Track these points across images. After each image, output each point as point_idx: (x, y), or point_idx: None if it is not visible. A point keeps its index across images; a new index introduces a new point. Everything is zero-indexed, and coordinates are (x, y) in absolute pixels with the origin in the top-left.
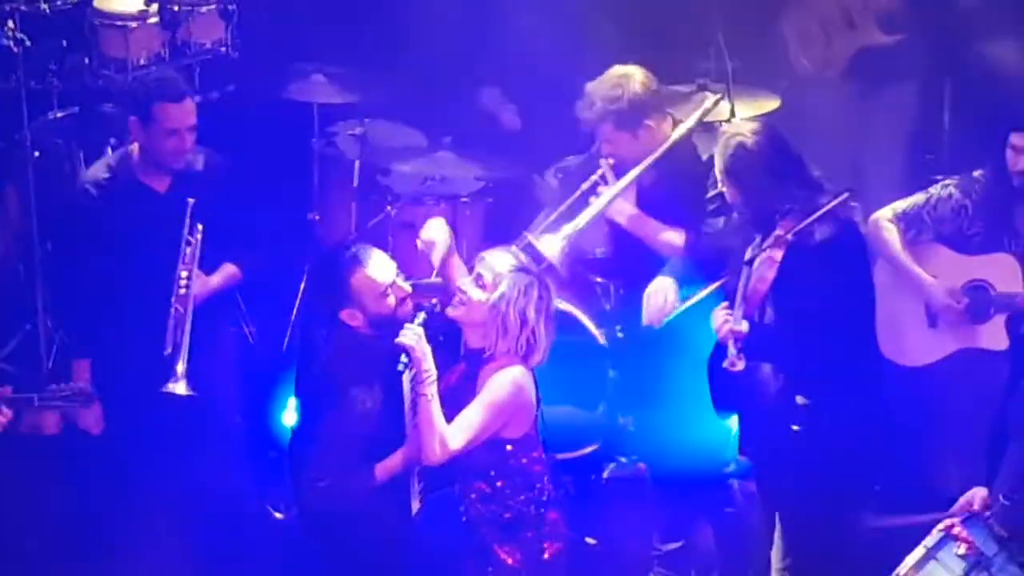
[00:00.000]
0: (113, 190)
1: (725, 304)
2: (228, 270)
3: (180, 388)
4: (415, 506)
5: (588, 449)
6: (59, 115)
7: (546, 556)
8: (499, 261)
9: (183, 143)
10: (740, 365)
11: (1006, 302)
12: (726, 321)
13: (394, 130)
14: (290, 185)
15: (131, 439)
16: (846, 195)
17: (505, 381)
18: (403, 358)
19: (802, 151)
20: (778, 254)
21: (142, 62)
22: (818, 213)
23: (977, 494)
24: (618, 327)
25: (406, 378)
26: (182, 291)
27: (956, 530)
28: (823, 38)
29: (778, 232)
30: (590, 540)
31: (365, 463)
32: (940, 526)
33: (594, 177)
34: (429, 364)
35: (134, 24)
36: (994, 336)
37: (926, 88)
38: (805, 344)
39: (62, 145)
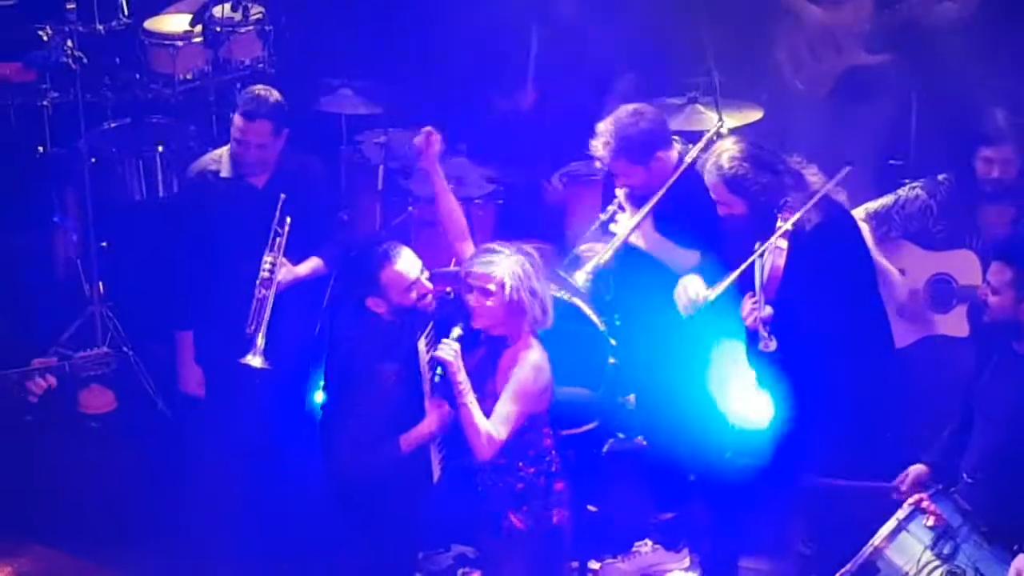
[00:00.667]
0: (218, 179)
1: (751, 294)
2: (314, 263)
3: (256, 361)
4: (436, 474)
5: (589, 426)
6: (113, 125)
7: (554, 521)
8: (488, 266)
9: (246, 153)
10: (772, 345)
11: (967, 294)
12: (753, 309)
13: (414, 138)
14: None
15: (221, 404)
16: (842, 173)
17: (528, 368)
18: (439, 370)
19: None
20: (784, 243)
21: (187, 77)
22: (815, 198)
23: (913, 470)
24: (616, 316)
25: (423, 357)
26: (265, 275)
27: (925, 504)
28: (813, 60)
29: (780, 224)
30: (591, 508)
31: (389, 436)
32: (910, 500)
33: (611, 208)
34: (463, 376)
35: (180, 43)
36: (956, 324)
37: (896, 101)
38: (821, 317)
39: (115, 152)
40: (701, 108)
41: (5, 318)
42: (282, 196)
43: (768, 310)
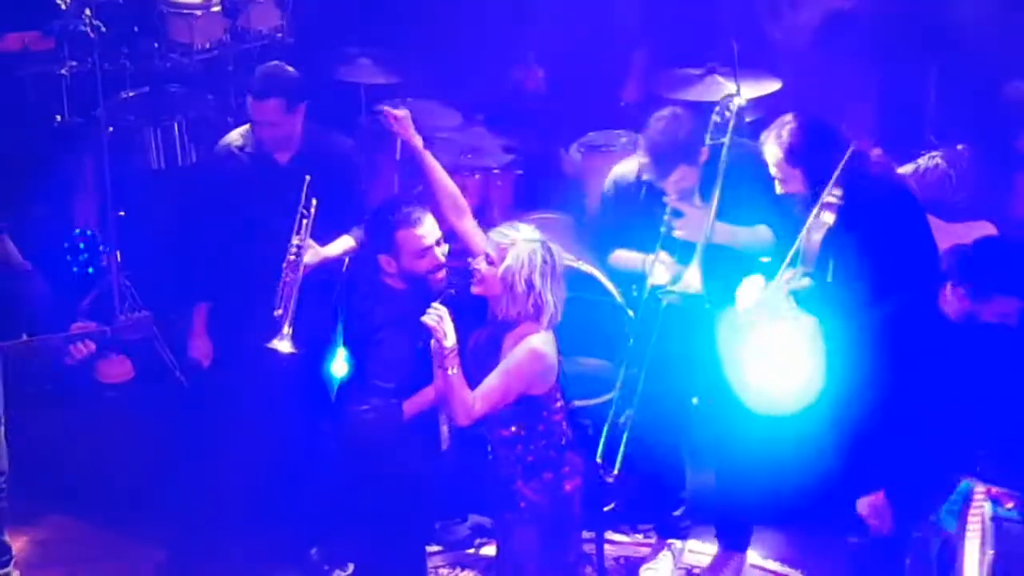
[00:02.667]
0: (242, 156)
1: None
2: (346, 242)
3: (284, 346)
4: (444, 443)
5: (606, 397)
6: (131, 94)
7: (567, 490)
8: (502, 237)
9: (263, 131)
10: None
11: None
12: (788, 280)
13: (433, 108)
14: None
15: (233, 376)
16: (879, 150)
17: (524, 351)
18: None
19: None
20: (830, 217)
21: (206, 46)
22: (840, 164)
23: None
24: (633, 286)
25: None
26: (292, 258)
27: (995, 491)
28: (789, 7)
29: (827, 199)
30: (607, 478)
31: (397, 400)
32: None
33: (667, 218)
34: (450, 342)
35: (199, 12)
36: None
37: (911, 64)
38: (864, 292)
39: (133, 121)
40: (720, 78)
41: (24, 287)
42: (307, 178)
43: (806, 281)
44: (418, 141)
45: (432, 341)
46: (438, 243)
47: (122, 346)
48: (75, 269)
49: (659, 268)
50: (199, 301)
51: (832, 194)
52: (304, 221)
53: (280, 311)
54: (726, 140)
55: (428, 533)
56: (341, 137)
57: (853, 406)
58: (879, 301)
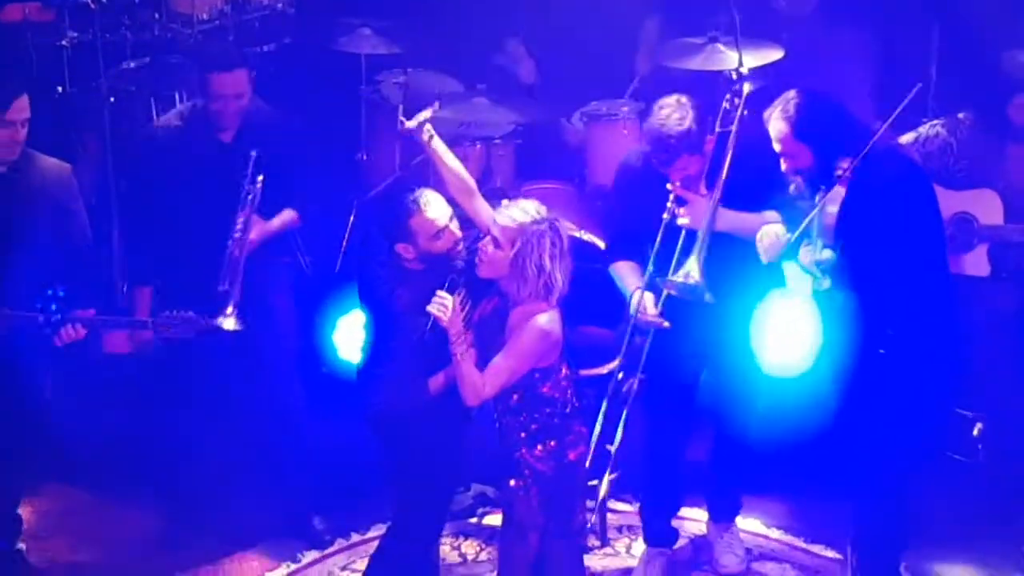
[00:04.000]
0: (182, 137)
1: (806, 241)
2: (287, 216)
3: (229, 323)
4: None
5: (610, 366)
6: (132, 65)
7: (571, 458)
8: (509, 219)
9: (227, 106)
10: (826, 283)
11: (989, 233)
12: (807, 252)
13: (433, 78)
14: (340, 128)
15: (190, 357)
16: (892, 117)
17: (533, 330)
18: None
19: None
20: (841, 191)
21: (206, 17)
22: (869, 144)
23: None
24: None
25: (456, 302)
26: (238, 235)
27: None
28: None
29: (838, 173)
30: (609, 447)
31: (420, 378)
32: None
33: (670, 206)
34: (457, 328)
35: None
36: (977, 264)
37: (912, 32)
38: (878, 267)
39: (134, 92)
40: (722, 48)
41: (23, 258)
42: (253, 153)
43: (827, 253)
44: (425, 135)
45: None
46: (451, 219)
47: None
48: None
49: (647, 298)
50: (140, 285)
51: (842, 167)
52: (249, 197)
53: (225, 285)
54: (734, 128)
55: (448, 500)
56: (280, 112)
57: (861, 375)
58: (889, 270)
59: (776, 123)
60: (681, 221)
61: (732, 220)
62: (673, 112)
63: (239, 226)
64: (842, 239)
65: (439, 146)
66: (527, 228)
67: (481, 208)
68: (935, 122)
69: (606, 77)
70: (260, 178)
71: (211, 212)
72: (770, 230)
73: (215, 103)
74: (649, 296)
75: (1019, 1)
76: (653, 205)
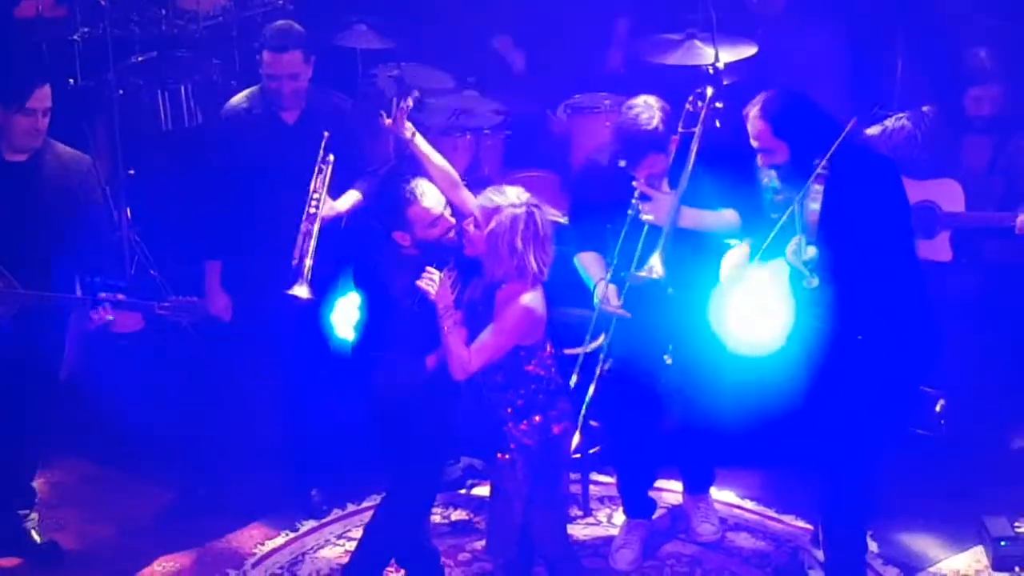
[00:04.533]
0: (248, 117)
1: (797, 237)
2: (353, 196)
3: (303, 292)
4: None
5: (593, 345)
6: (140, 59)
7: (555, 432)
8: (488, 202)
9: (281, 86)
10: (815, 282)
11: (950, 220)
12: (794, 251)
13: (426, 71)
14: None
15: (191, 340)
16: (854, 120)
17: (517, 308)
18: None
19: None
20: (819, 187)
21: (210, 13)
22: (839, 140)
23: None
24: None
25: (443, 276)
26: (312, 210)
27: None
28: None
29: (819, 171)
30: (593, 423)
31: (417, 356)
32: None
33: (635, 202)
34: (445, 302)
35: None
36: (940, 249)
37: (877, 30)
38: (856, 257)
39: (142, 85)
40: (699, 44)
41: (35, 244)
42: (326, 134)
43: (812, 250)
44: (407, 132)
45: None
46: (445, 207)
47: (134, 284)
48: None
49: (611, 290)
50: (211, 258)
51: (819, 165)
52: (320, 176)
53: (297, 260)
54: (697, 130)
55: (440, 472)
56: (341, 96)
57: (831, 355)
58: (866, 260)
59: (755, 120)
60: (645, 217)
61: (694, 217)
62: (642, 112)
63: (313, 202)
64: (824, 235)
65: (421, 142)
66: (502, 208)
67: (466, 198)
68: (900, 115)
69: (590, 71)
70: (331, 157)
71: (276, 192)
72: (732, 258)
73: (270, 82)
74: (612, 288)
75: (978, 1)
76: (617, 201)
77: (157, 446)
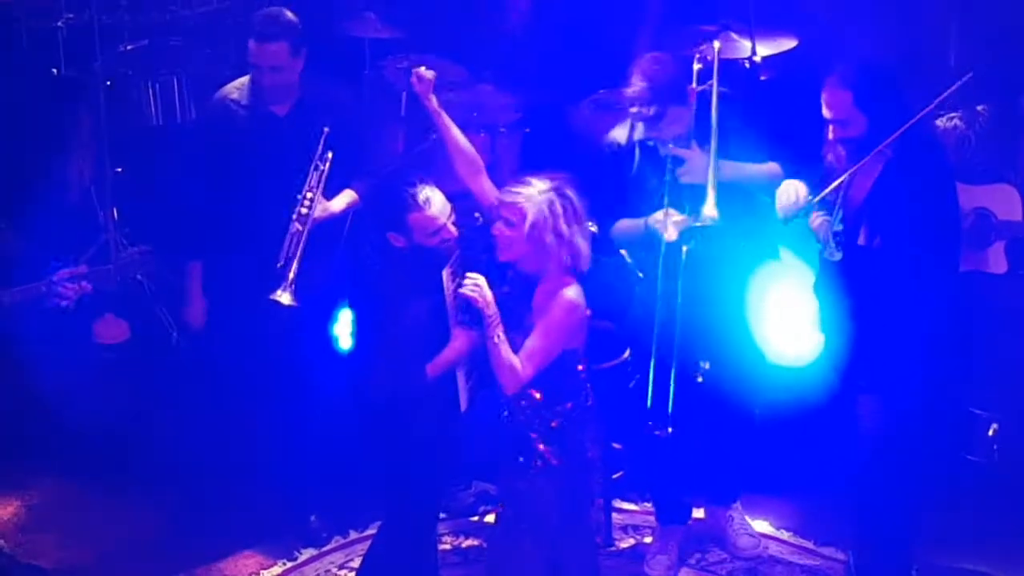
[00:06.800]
0: (239, 109)
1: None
2: (349, 196)
3: (285, 298)
4: (464, 403)
5: (617, 360)
6: (129, 47)
7: (589, 455)
8: (515, 196)
9: (263, 78)
10: (838, 255)
11: (1007, 229)
12: (823, 222)
13: (439, 64)
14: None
15: (231, 336)
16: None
17: (562, 305)
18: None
19: None
20: (877, 168)
21: None
22: (914, 120)
23: None
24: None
25: (448, 286)
26: (304, 211)
27: None
28: None
29: (882, 149)
30: (616, 445)
31: (417, 364)
32: None
33: (669, 166)
34: (493, 310)
35: None
36: (994, 260)
37: (929, 22)
38: (897, 250)
39: (131, 75)
40: (734, 35)
41: (20, 241)
42: (325, 130)
43: (839, 226)
44: (434, 103)
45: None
46: (450, 216)
47: (126, 282)
48: None
49: (671, 225)
50: (193, 259)
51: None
52: (316, 174)
53: (283, 262)
54: (713, 83)
55: (441, 492)
56: (340, 86)
57: (870, 369)
58: (907, 257)
59: (836, 89)
60: (684, 179)
61: (734, 169)
62: (655, 62)
63: (305, 202)
64: (868, 214)
65: (447, 119)
66: (534, 198)
67: (487, 186)
68: (952, 115)
69: (614, 66)
70: (330, 155)
71: (264, 188)
72: (790, 187)
73: (254, 72)
74: (675, 215)
75: None
76: (639, 181)
77: (141, 466)
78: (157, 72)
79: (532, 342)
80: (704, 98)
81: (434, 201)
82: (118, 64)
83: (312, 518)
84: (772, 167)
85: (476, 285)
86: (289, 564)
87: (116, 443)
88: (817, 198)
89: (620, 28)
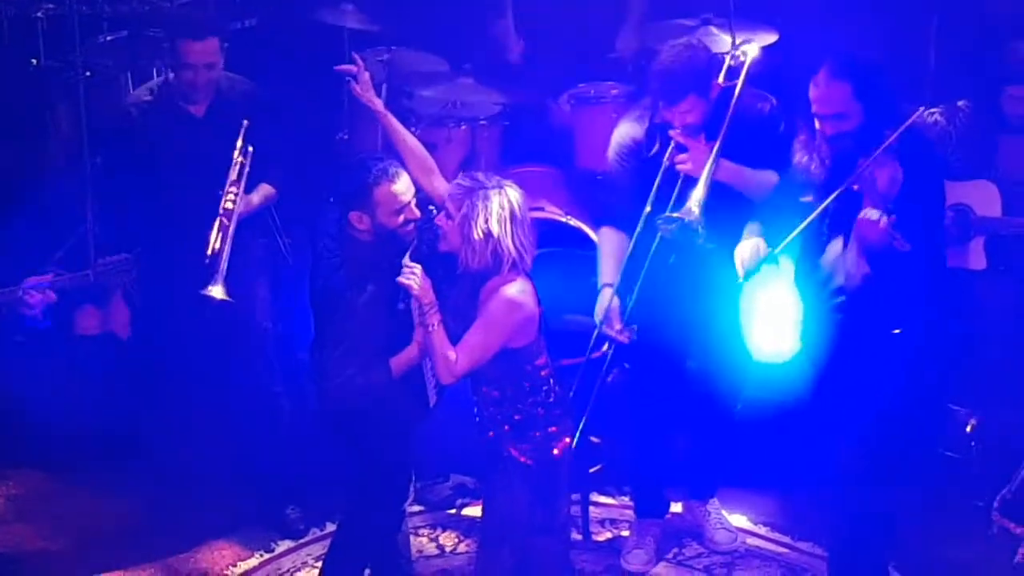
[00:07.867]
0: (153, 112)
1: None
2: (265, 190)
3: (217, 292)
4: (432, 399)
5: (596, 355)
6: (109, 38)
7: (555, 452)
8: (456, 186)
9: (197, 76)
10: (907, 245)
11: (986, 225)
12: (880, 217)
13: (418, 57)
14: (322, 106)
15: (165, 339)
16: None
17: (501, 300)
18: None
19: None
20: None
21: None
22: (913, 117)
23: None
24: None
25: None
26: (228, 205)
27: None
28: None
29: (889, 142)
30: (594, 439)
31: (380, 360)
32: None
33: (670, 151)
34: (429, 297)
35: None
36: (973, 256)
37: (909, 17)
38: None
39: (111, 66)
40: (715, 30)
41: None
42: (245, 123)
43: (884, 220)
44: (378, 104)
45: (412, 299)
46: (413, 197)
47: (100, 290)
48: None
49: (614, 306)
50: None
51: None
52: (237, 168)
53: (210, 259)
54: (739, 83)
55: (408, 487)
56: (246, 81)
57: (852, 364)
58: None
59: (833, 81)
60: (681, 168)
61: (732, 171)
62: (684, 51)
63: (231, 197)
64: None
65: (393, 121)
66: (473, 191)
67: (439, 185)
68: (933, 110)
69: (594, 59)
70: (251, 149)
71: (187, 188)
72: (750, 244)
73: (185, 72)
74: (616, 303)
75: None
76: (650, 171)
77: (116, 455)
78: (137, 63)
79: (469, 336)
80: (725, 95)
81: (401, 176)
82: (98, 55)
83: (289, 509)
84: (769, 176)
85: (412, 272)
86: (266, 555)
87: (94, 435)
88: (776, 249)
89: (601, 23)
